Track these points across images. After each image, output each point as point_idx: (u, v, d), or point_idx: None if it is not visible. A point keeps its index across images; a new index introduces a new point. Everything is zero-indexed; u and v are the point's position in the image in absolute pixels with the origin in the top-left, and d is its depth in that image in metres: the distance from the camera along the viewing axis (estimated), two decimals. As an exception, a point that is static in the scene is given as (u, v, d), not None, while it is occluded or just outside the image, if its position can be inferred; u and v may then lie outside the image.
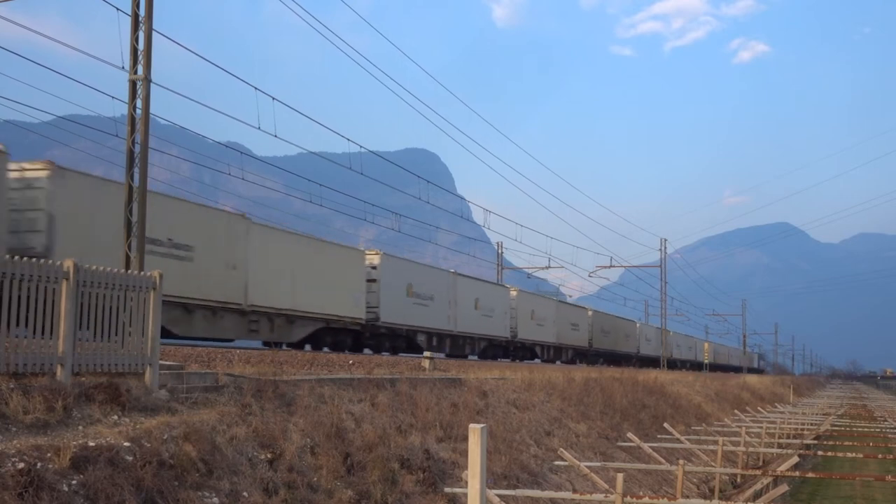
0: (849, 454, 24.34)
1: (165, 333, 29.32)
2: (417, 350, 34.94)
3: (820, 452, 24.44)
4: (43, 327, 10.44)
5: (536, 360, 49.78)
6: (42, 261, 10.62)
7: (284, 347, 26.52)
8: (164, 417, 10.91)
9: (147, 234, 16.01)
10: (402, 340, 35.78)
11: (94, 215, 19.52)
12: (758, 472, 20.71)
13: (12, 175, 18.25)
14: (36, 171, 18.77)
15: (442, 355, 37.19)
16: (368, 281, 32.35)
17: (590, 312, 61.27)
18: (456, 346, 40.49)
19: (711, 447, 24.65)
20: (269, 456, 11.71)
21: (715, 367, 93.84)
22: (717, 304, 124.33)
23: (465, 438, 10.08)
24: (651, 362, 70.26)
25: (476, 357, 41.82)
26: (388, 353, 33.18)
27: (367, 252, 33.65)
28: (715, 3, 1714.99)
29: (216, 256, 24.06)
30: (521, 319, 47.86)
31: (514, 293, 47.65)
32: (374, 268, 33.09)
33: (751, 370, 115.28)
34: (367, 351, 32.67)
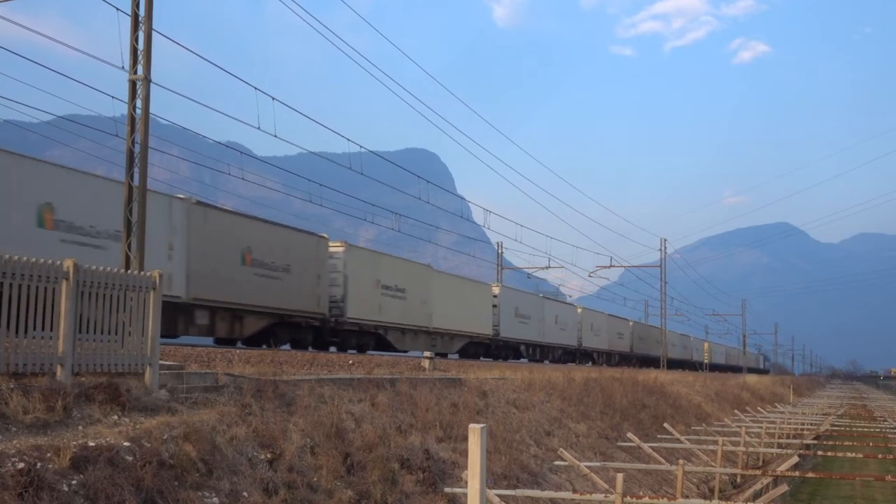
0: (849, 454, 24.34)
1: (391, 347, 34.75)
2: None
3: (820, 452, 24.44)
4: (43, 327, 10.45)
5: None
6: (42, 260, 10.62)
7: (451, 356, 36.40)
8: (164, 417, 10.91)
9: (385, 283, 33.54)
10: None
11: (363, 273, 32.20)
12: (758, 472, 20.71)
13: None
14: (337, 248, 31.06)
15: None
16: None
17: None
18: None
19: (711, 447, 24.65)
20: (269, 456, 11.71)
21: (725, 368, 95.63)
22: (717, 304, 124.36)
23: (465, 438, 10.08)
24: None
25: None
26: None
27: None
28: (715, 2, 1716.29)
29: (417, 296, 36.37)
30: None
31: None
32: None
33: (755, 370, 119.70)
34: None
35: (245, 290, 25.63)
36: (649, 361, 69.93)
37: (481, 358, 42.68)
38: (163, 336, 23.08)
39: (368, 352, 31.81)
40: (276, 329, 27.44)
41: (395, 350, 34.21)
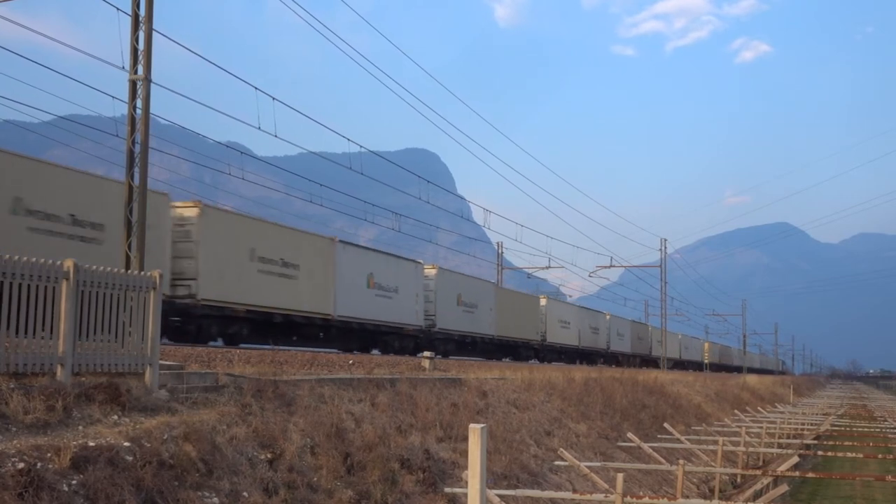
0: (849, 454, 24.35)
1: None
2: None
3: (820, 452, 24.44)
4: (43, 327, 10.45)
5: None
6: (42, 260, 10.62)
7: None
8: (164, 417, 10.91)
9: (466, 300, 39.50)
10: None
11: (449, 292, 38.32)
12: (758, 472, 20.71)
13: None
14: (430, 270, 36.73)
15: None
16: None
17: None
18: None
19: (711, 447, 24.66)
20: (269, 456, 11.71)
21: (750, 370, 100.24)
22: (717, 304, 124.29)
23: (465, 438, 10.08)
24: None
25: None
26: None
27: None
28: (717, 2, 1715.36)
29: (485, 308, 43.13)
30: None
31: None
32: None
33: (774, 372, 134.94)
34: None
35: (371, 308, 32.08)
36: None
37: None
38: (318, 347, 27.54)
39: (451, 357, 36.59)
40: (395, 339, 34.09)
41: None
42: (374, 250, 34.48)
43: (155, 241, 20.70)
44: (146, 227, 15.54)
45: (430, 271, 37.86)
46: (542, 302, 52.05)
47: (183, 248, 23.31)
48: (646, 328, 77.97)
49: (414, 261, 36.47)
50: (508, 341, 46.27)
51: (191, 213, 23.87)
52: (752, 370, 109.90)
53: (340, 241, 30.58)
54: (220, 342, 25.02)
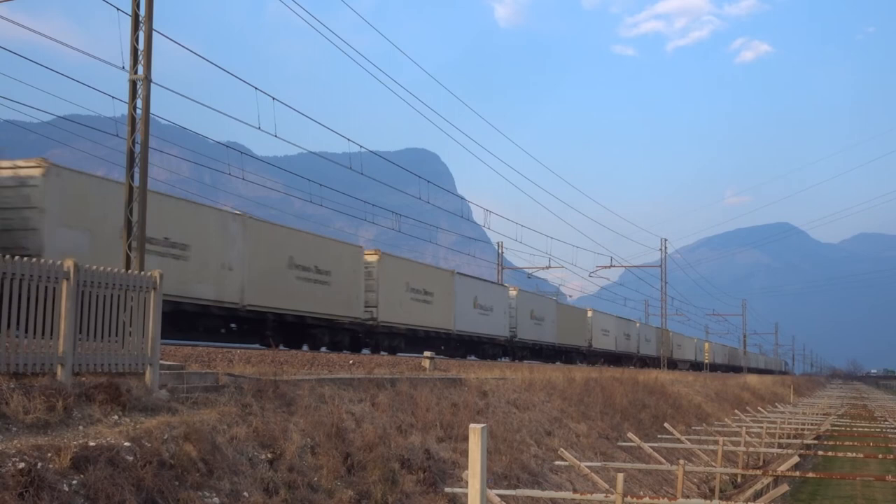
0: (849, 454, 24.33)
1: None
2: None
3: (820, 452, 24.43)
4: (43, 327, 10.44)
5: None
6: (42, 260, 10.62)
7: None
8: (164, 417, 10.91)
9: (536, 315, 45.83)
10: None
11: (467, 296, 40.15)
12: (758, 472, 20.70)
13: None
14: (451, 274, 39.27)
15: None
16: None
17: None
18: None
19: (712, 447, 24.65)
20: (269, 456, 11.71)
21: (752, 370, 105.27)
22: (717, 304, 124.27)
23: (466, 438, 10.07)
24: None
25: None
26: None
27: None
28: (718, 2, 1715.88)
29: (549, 320, 50.94)
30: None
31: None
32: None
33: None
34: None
35: (476, 323, 40.10)
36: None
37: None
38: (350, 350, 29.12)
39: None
40: (489, 347, 41.73)
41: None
42: (476, 278, 43.17)
43: (354, 280, 29.78)
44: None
45: (513, 293, 45.90)
46: (589, 314, 59.37)
47: (369, 284, 31.00)
48: (668, 334, 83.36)
49: (502, 285, 47.26)
50: (564, 347, 54.07)
51: (372, 258, 31.86)
52: (759, 371, 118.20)
53: (457, 273, 39.50)
54: (367, 351, 31.31)
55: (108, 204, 19.40)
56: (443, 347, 37.12)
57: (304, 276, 26.91)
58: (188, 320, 22.40)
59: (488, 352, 42.38)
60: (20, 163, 19.27)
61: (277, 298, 25.68)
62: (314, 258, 27.49)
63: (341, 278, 28.86)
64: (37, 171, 18.94)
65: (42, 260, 10.65)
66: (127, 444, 9.66)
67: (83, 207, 19.47)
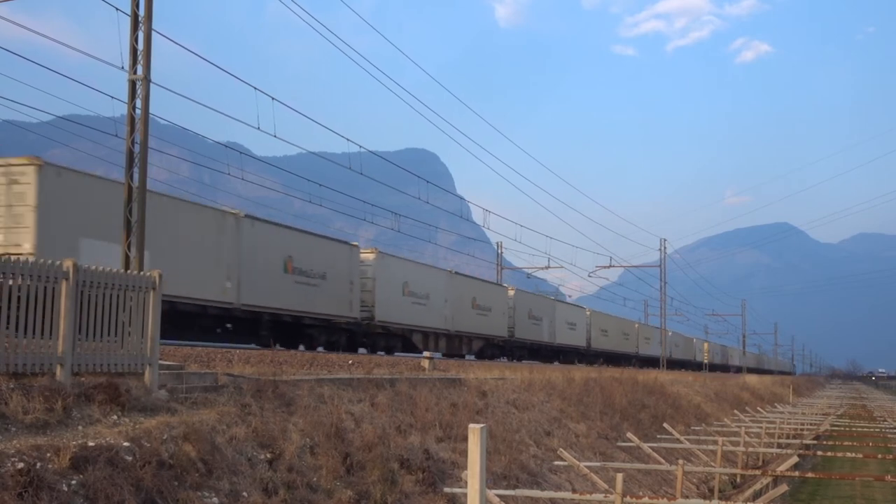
0: (848, 454, 24.34)
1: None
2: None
3: (820, 452, 24.44)
4: (43, 327, 10.44)
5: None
6: (42, 260, 10.62)
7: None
8: (163, 417, 10.91)
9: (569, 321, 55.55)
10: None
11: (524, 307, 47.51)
12: (757, 473, 20.71)
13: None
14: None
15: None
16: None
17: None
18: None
19: (711, 447, 24.65)
20: (268, 456, 11.72)
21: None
22: (717, 304, 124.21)
23: (465, 438, 10.08)
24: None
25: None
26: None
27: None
28: (718, 2, 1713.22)
29: (582, 326, 59.05)
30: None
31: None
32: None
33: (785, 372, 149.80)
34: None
35: (530, 332, 48.77)
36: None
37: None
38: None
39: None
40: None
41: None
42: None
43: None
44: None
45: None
46: (636, 327, 68.32)
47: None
48: (683, 337, 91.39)
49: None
50: (609, 353, 61.42)
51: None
52: (772, 372, 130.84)
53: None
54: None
55: (399, 272, 34.60)
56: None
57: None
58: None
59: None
60: (363, 250, 31.43)
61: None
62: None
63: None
64: (371, 256, 32.39)
65: (42, 260, 10.65)
66: (126, 444, 9.66)
67: (388, 276, 33.49)
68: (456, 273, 40.79)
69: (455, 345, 40.01)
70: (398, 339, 34.83)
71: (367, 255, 32.31)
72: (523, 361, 46.09)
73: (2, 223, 17.85)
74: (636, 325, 74.68)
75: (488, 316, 42.43)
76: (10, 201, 17.77)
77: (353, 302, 30.37)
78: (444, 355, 37.92)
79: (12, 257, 10.52)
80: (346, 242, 31.74)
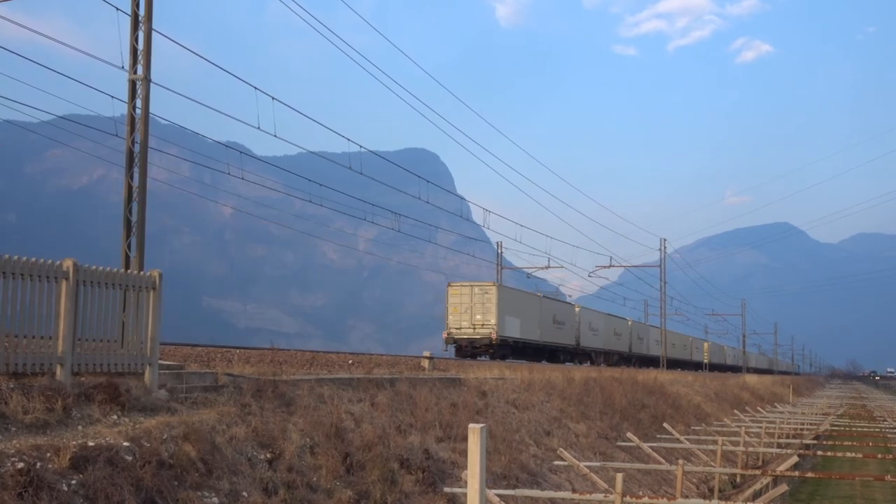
0: (848, 454, 24.34)
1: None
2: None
3: (819, 452, 24.45)
4: (43, 327, 10.44)
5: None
6: (42, 260, 10.61)
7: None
8: (163, 417, 10.91)
9: (617, 331, 67.20)
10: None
11: (593, 323, 61.27)
12: (757, 472, 20.71)
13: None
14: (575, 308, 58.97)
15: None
16: None
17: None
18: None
19: (711, 447, 24.66)
20: (268, 456, 11.72)
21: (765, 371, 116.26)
22: (717, 304, 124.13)
23: (465, 438, 10.08)
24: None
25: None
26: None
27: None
28: (719, 1, 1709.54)
29: (625, 333, 70.13)
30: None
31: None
32: None
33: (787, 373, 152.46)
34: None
35: (595, 340, 60.80)
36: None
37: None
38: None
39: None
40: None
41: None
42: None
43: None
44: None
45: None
46: (652, 331, 75.00)
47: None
48: (692, 339, 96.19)
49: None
50: (640, 356, 69.34)
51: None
52: (781, 372, 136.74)
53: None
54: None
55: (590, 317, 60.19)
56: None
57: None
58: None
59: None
60: (576, 306, 58.86)
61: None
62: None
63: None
64: (576, 310, 57.94)
65: (41, 260, 10.65)
66: (126, 443, 9.66)
67: (589, 319, 59.57)
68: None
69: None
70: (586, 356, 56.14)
71: (576, 308, 57.31)
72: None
73: (481, 310, 43.40)
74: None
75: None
76: (485, 302, 43.21)
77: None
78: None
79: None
80: (572, 305, 57.84)
